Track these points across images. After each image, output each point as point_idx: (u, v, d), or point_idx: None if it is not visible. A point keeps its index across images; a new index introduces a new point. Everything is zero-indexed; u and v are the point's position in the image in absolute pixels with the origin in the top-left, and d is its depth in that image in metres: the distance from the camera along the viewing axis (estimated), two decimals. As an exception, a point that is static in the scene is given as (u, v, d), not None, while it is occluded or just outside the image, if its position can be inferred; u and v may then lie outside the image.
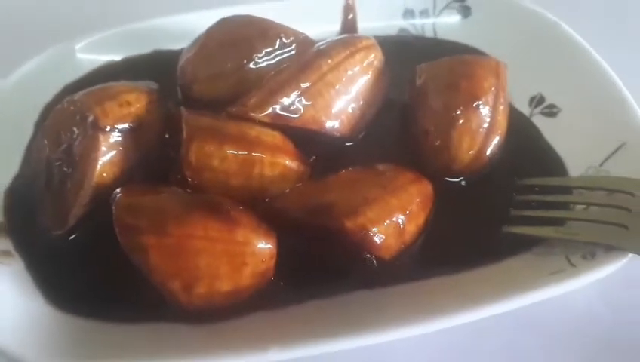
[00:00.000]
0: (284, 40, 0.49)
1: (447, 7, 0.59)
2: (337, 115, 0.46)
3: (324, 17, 0.58)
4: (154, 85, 0.50)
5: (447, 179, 0.47)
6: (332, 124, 0.46)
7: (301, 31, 0.51)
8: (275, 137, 0.44)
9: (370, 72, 0.48)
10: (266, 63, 0.49)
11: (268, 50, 0.49)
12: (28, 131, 0.51)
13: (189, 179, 0.42)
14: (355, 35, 0.52)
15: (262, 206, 0.42)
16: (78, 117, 0.44)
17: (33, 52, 0.55)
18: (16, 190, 0.47)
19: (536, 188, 0.45)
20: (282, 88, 0.44)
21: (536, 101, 0.52)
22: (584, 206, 0.43)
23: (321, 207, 0.40)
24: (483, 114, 0.45)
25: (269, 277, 0.40)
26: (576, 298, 0.44)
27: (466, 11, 0.59)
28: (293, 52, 0.50)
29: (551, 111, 0.51)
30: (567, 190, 0.45)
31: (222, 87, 0.49)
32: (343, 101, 0.47)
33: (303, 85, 0.45)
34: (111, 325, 0.40)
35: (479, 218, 0.44)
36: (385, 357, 0.42)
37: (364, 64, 0.48)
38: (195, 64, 0.50)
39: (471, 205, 0.45)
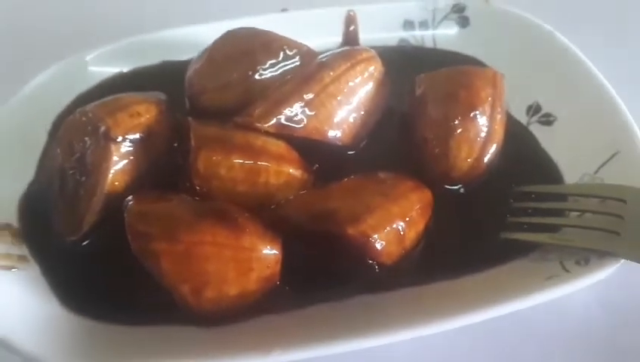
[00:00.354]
0: (288, 52, 0.51)
1: (445, 18, 0.60)
2: (339, 124, 0.48)
3: (327, 29, 0.59)
4: (162, 96, 0.51)
5: (446, 186, 0.48)
6: (334, 134, 0.48)
7: (304, 42, 0.53)
8: (279, 146, 0.45)
9: (370, 83, 0.49)
10: (270, 74, 0.50)
11: (272, 61, 0.50)
12: (41, 140, 0.53)
13: (198, 187, 0.43)
14: (356, 47, 0.53)
15: (267, 212, 0.43)
16: (90, 127, 0.46)
17: (45, 63, 0.56)
18: (30, 198, 0.49)
19: (533, 196, 0.46)
20: (287, 99, 0.46)
21: (533, 110, 0.54)
22: (579, 213, 0.44)
23: (325, 214, 0.41)
24: (480, 123, 0.47)
25: (275, 281, 0.41)
26: (573, 301, 0.45)
27: (464, 22, 0.60)
28: (296, 63, 0.51)
29: (547, 120, 0.53)
30: (562, 197, 0.46)
31: (228, 97, 0.50)
32: (344, 111, 0.48)
33: (307, 96, 0.46)
34: (122, 327, 0.41)
35: (477, 224, 0.45)
36: (386, 359, 0.43)
37: (365, 75, 0.49)
38: (202, 75, 0.52)
39: (469, 212, 0.46)
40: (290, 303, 0.41)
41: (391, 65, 0.52)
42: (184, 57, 0.56)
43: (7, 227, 0.46)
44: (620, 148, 0.46)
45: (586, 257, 0.40)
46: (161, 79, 0.56)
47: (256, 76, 0.50)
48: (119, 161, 0.45)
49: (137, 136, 0.46)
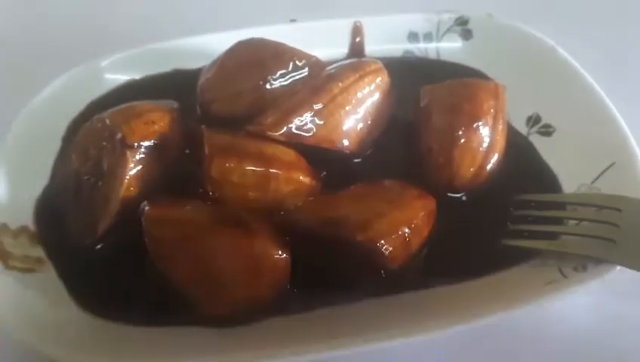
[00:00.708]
0: (297, 62, 0.52)
1: (449, 30, 0.62)
2: (347, 133, 0.49)
3: (334, 39, 0.61)
4: (175, 104, 0.52)
5: (449, 194, 0.49)
6: (342, 142, 0.49)
7: (311, 52, 0.54)
8: (289, 154, 0.47)
9: (377, 94, 0.51)
10: (280, 84, 0.51)
11: (282, 72, 0.52)
12: (56, 145, 0.54)
13: (210, 193, 0.45)
14: (363, 59, 0.55)
15: (277, 218, 0.45)
16: (106, 134, 0.47)
17: (60, 70, 0.57)
18: (46, 202, 0.50)
19: (533, 204, 0.47)
20: (297, 109, 0.47)
21: (533, 120, 0.55)
22: (576, 221, 0.45)
23: (333, 220, 0.43)
24: (483, 134, 0.48)
25: (284, 284, 0.42)
26: (570, 307, 0.46)
27: (467, 34, 0.62)
28: (305, 73, 0.52)
29: (547, 131, 0.54)
30: (561, 206, 0.47)
31: (239, 105, 0.51)
32: (352, 121, 0.49)
33: (316, 106, 0.48)
34: (137, 327, 0.42)
35: (479, 231, 0.46)
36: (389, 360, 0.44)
37: (372, 87, 0.51)
38: (213, 84, 0.53)
39: (471, 219, 0.47)
40: (299, 306, 0.42)
41: (396, 75, 0.54)
42: (196, 66, 0.57)
43: (24, 230, 0.47)
44: (616, 159, 0.47)
45: (583, 264, 0.41)
46: (174, 87, 0.57)
47: (267, 85, 0.51)
48: (134, 167, 0.46)
49: (152, 143, 0.47)
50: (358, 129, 0.50)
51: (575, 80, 0.54)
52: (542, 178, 0.51)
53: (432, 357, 0.44)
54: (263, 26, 0.58)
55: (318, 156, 0.49)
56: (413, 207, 0.44)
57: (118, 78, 0.59)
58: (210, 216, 0.42)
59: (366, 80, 0.50)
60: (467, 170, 0.48)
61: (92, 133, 0.48)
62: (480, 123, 0.48)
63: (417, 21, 0.62)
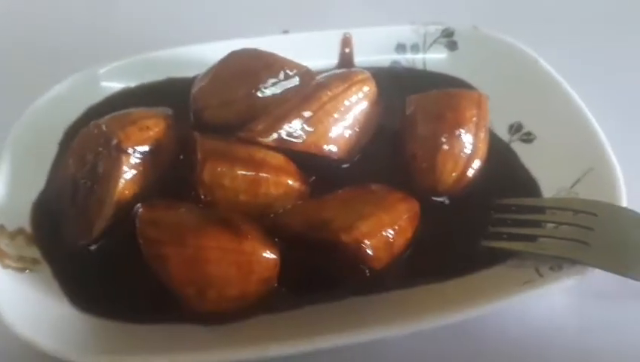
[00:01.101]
0: (288, 72, 0.53)
1: (435, 42, 0.63)
2: (335, 140, 0.51)
3: (324, 51, 0.62)
4: (169, 111, 0.54)
5: (433, 198, 0.50)
6: (330, 148, 0.51)
7: (302, 62, 0.55)
8: (279, 159, 0.48)
9: (365, 103, 0.52)
10: (271, 93, 0.52)
11: (273, 81, 0.53)
12: (53, 150, 0.55)
13: (203, 196, 0.46)
14: (352, 69, 0.56)
15: (267, 220, 0.46)
16: (102, 139, 0.48)
17: (59, 75, 0.58)
18: (42, 204, 0.51)
19: (513, 208, 0.49)
20: (287, 116, 0.49)
21: (515, 128, 0.56)
22: (554, 224, 0.47)
23: (320, 223, 0.44)
24: (465, 141, 0.50)
25: (273, 283, 0.44)
26: (545, 306, 0.47)
27: (452, 46, 0.63)
28: (296, 83, 0.53)
29: (528, 138, 0.55)
30: (540, 210, 0.48)
31: (231, 113, 0.52)
32: (340, 128, 0.51)
33: (306, 114, 0.49)
34: (129, 325, 0.43)
35: (460, 233, 0.48)
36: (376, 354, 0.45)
37: (360, 95, 0.52)
38: (207, 92, 0.54)
39: (453, 222, 0.48)
40: (287, 304, 0.44)
41: (383, 85, 0.55)
42: (190, 74, 0.58)
43: (21, 231, 0.48)
44: (593, 166, 0.49)
45: (559, 264, 0.43)
46: (168, 94, 0.58)
47: (259, 94, 0.52)
48: (129, 171, 0.47)
49: (146, 148, 0.48)
50: (347, 136, 0.52)
51: (556, 90, 0.56)
52: (522, 183, 0.52)
53: (411, 353, 0.45)
54: (257, 36, 0.60)
55: (307, 162, 0.50)
56: (397, 210, 0.46)
57: (115, 85, 0.60)
58: (203, 217, 0.44)
59: (354, 89, 0.52)
60: (449, 175, 0.50)
61: (89, 139, 0.50)
62: (462, 130, 0.50)
63: (405, 33, 0.63)
